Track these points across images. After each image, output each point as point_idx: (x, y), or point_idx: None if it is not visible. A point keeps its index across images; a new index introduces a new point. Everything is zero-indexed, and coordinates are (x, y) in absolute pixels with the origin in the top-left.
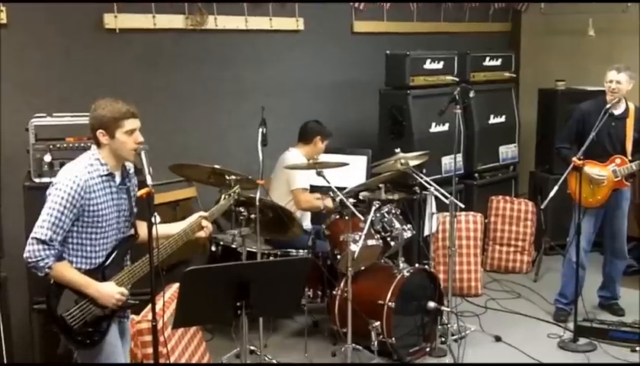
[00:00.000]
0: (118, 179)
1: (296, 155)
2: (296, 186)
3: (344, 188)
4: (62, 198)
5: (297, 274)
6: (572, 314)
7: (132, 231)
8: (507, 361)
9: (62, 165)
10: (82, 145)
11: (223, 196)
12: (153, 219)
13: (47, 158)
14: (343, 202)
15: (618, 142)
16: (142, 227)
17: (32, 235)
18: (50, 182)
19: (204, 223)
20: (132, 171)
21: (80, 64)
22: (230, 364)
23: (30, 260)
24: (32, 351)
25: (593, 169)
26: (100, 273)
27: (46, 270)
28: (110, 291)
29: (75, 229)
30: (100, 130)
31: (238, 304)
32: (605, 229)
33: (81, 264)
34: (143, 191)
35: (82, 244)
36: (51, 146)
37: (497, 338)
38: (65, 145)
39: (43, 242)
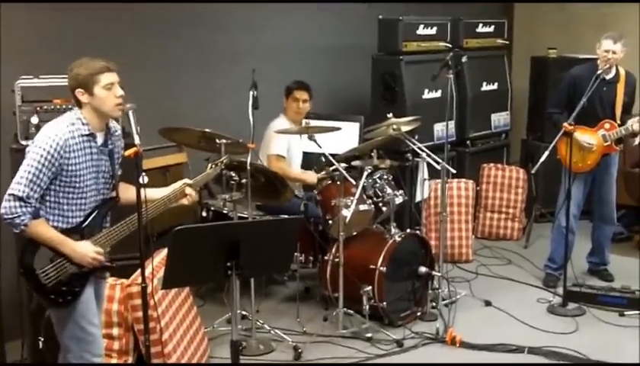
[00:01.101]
0: (100, 140)
1: (281, 122)
2: (270, 152)
3: (336, 155)
4: (42, 156)
5: (288, 235)
6: (561, 279)
7: (113, 193)
8: (496, 324)
9: None
10: (70, 107)
11: (210, 165)
12: (141, 180)
13: (34, 120)
14: (335, 167)
15: (608, 106)
16: (124, 190)
17: (9, 191)
18: None
19: (188, 190)
20: (117, 133)
21: (69, 26)
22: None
23: (6, 216)
24: (20, 313)
25: (583, 136)
26: (77, 233)
27: (22, 227)
28: (86, 250)
29: (53, 187)
30: (79, 89)
31: (229, 264)
32: (594, 195)
33: (58, 222)
34: (131, 150)
35: (59, 203)
36: (38, 108)
37: (487, 303)
38: (52, 107)
39: (20, 198)
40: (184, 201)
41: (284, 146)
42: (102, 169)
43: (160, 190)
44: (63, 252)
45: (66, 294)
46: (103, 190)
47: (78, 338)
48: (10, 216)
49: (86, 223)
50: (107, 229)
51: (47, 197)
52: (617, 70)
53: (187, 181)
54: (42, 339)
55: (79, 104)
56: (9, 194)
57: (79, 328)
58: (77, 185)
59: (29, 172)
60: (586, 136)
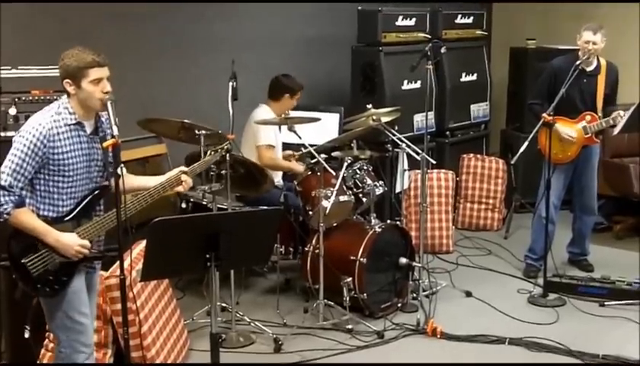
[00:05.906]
0: (89, 129)
1: (265, 111)
2: (260, 142)
3: (316, 146)
4: (25, 145)
5: (268, 226)
6: (542, 270)
7: (105, 182)
8: (477, 315)
9: (27, 118)
10: (48, 98)
11: (209, 152)
12: (119, 171)
13: (12, 111)
14: (315, 158)
15: (589, 98)
16: None
17: None
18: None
19: (183, 177)
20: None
21: (46, 15)
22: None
23: None
24: None
25: (564, 128)
26: (67, 222)
27: (5, 216)
28: (70, 241)
29: (42, 176)
30: (67, 80)
31: (208, 256)
32: (574, 185)
33: (47, 211)
34: (109, 142)
35: (49, 192)
36: (16, 99)
37: (468, 294)
38: (30, 98)
39: (3, 188)
40: (179, 188)
41: (272, 136)
42: (94, 157)
43: (155, 178)
44: (47, 243)
45: (54, 284)
46: (95, 178)
47: (67, 328)
48: None
49: (76, 211)
50: (97, 218)
51: (37, 187)
52: (598, 62)
53: (182, 168)
54: (28, 328)
55: (68, 93)
56: None
57: (68, 317)
58: (66, 174)
59: (12, 162)
60: (567, 128)
